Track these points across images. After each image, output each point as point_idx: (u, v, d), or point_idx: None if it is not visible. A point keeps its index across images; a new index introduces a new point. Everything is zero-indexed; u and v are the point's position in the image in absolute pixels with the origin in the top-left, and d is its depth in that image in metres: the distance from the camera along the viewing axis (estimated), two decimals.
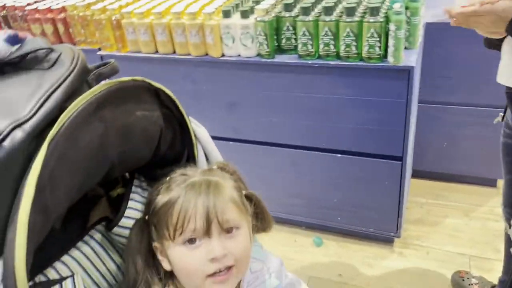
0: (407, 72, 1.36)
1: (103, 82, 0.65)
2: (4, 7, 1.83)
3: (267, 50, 1.49)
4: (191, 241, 0.68)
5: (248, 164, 1.72)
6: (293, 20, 1.44)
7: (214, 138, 1.87)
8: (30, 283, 0.71)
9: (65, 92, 0.61)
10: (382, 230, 1.75)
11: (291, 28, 1.47)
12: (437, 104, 1.88)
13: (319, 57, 1.46)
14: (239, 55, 1.56)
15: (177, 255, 0.69)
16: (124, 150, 0.72)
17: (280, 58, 1.51)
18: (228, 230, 0.69)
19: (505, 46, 1.03)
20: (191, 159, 0.84)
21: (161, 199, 0.71)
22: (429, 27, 1.72)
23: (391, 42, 1.33)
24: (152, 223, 0.72)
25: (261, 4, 1.50)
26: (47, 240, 0.69)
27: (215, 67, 1.61)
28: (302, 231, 1.89)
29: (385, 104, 1.44)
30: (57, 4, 1.78)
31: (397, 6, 1.29)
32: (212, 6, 1.57)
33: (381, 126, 1.49)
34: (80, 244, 0.82)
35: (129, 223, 0.78)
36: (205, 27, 1.52)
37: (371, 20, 1.32)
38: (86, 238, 0.83)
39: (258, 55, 1.53)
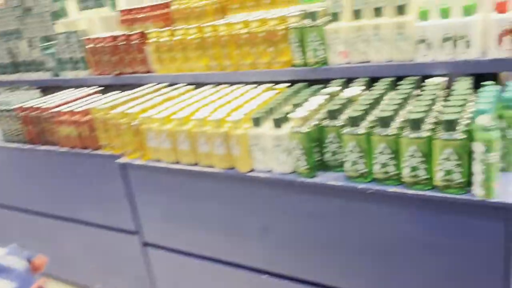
0: (505, 211, 0.93)
1: None
2: (32, 108, 1.73)
3: (306, 167, 1.15)
4: None
5: None
6: (337, 131, 1.11)
7: (244, 267, 1.44)
8: None
9: None
10: None
11: (336, 140, 1.12)
12: None
13: (374, 180, 1.09)
14: (270, 171, 1.23)
15: None
16: None
17: (323, 177, 1.16)
18: None
19: None
20: None
21: None
22: None
23: (478, 167, 0.92)
24: None
25: (299, 110, 1.18)
26: None
27: (242, 184, 1.29)
28: None
29: (469, 252, 1.00)
30: (81, 107, 1.64)
31: (484, 119, 0.90)
32: (243, 110, 1.29)
33: (465, 282, 1.03)
34: None
35: None
36: (231, 137, 1.23)
37: (445, 137, 0.94)
38: None
39: (295, 171, 1.20)
